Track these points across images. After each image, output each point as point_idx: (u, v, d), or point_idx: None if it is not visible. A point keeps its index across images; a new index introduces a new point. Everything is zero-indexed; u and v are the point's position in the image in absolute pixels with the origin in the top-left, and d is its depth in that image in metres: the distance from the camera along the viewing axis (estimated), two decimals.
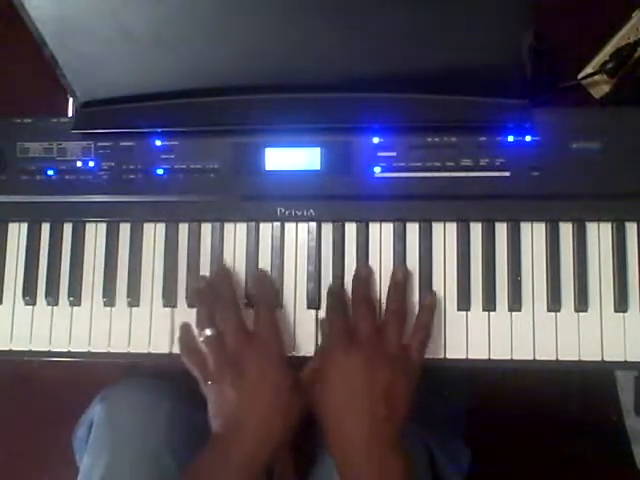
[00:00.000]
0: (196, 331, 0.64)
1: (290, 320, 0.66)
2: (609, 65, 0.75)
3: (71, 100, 0.74)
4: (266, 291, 0.66)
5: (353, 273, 0.66)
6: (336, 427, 0.58)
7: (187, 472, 0.60)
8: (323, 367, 0.61)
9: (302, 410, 0.60)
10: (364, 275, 0.65)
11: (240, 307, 0.64)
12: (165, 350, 0.66)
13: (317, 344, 0.66)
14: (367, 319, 0.62)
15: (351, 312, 0.64)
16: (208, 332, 0.62)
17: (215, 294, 0.64)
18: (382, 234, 0.67)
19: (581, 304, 0.64)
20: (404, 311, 0.63)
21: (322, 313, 0.66)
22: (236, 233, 0.68)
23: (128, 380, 0.72)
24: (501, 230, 0.66)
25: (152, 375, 0.74)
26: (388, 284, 0.65)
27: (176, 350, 0.66)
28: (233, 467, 0.57)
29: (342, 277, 0.66)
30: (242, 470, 0.57)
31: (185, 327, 0.65)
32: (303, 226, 0.67)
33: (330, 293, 0.65)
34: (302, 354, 0.65)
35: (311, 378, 0.61)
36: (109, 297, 0.68)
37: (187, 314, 0.67)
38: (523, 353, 0.64)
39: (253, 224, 0.68)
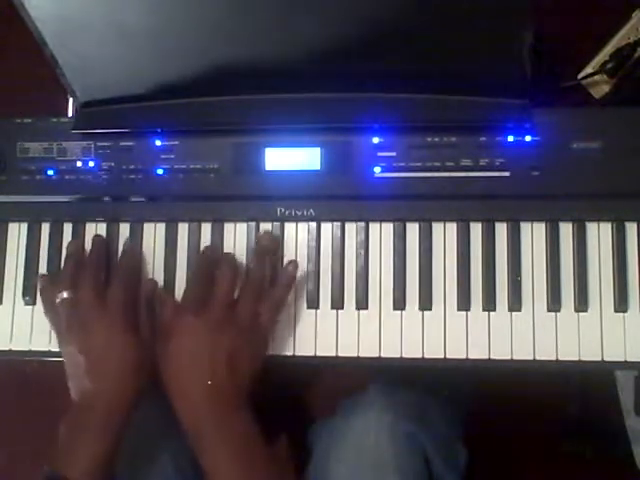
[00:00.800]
0: (47, 293, 0.65)
1: (290, 320, 0.66)
2: (609, 65, 0.75)
3: (71, 100, 0.74)
4: (128, 263, 0.66)
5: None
6: (177, 385, 0.60)
7: (58, 443, 0.60)
8: (170, 326, 0.62)
9: (152, 369, 0.61)
10: (263, 245, 0.65)
11: (101, 271, 0.65)
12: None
13: (317, 344, 0.66)
14: (225, 285, 0.62)
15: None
16: (64, 294, 0.63)
17: (82, 258, 0.66)
18: (382, 234, 0.67)
19: (581, 304, 0.64)
20: (262, 280, 0.64)
21: (322, 313, 0.66)
22: (236, 233, 0.68)
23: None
24: (501, 230, 0.66)
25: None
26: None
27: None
28: (91, 433, 0.58)
29: (342, 277, 0.66)
30: (100, 434, 0.58)
31: (46, 281, 0.66)
32: (303, 226, 0.67)
33: (202, 254, 0.66)
34: (302, 354, 0.65)
35: (162, 337, 0.62)
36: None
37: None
38: (523, 353, 0.64)
39: (253, 224, 0.68)
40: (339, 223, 0.67)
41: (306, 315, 0.66)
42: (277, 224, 0.67)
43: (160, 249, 0.68)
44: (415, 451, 0.66)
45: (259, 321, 0.62)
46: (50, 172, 0.68)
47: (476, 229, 0.66)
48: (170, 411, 0.66)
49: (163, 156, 0.67)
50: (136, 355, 0.61)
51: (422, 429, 0.67)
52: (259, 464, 0.59)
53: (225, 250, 0.67)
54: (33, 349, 0.68)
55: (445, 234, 0.66)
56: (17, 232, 0.70)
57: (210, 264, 0.64)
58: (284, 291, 0.64)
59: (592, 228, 0.65)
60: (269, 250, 0.65)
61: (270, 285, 0.64)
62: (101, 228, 0.69)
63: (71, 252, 0.67)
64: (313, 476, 0.68)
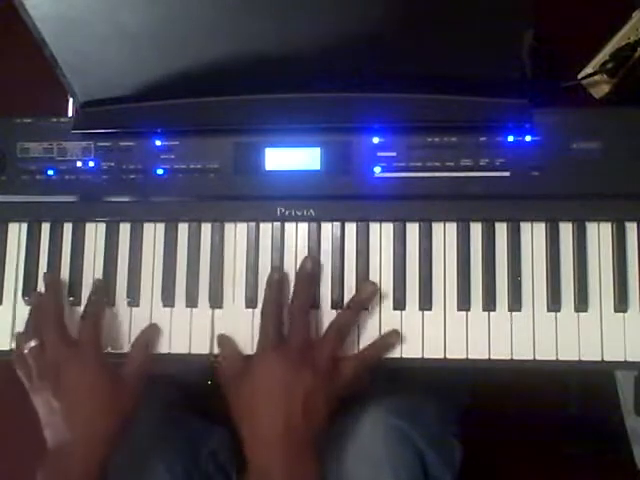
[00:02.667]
0: (23, 342, 0.64)
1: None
2: (609, 65, 0.75)
3: (71, 100, 0.74)
4: (95, 300, 0.66)
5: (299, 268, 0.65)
6: (250, 424, 0.59)
7: None
8: (246, 365, 0.62)
9: (131, 404, 0.61)
10: (309, 268, 0.64)
11: (62, 316, 0.65)
12: (164, 350, 0.66)
13: None
14: (302, 325, 0.62)
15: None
16: (32, 343, 0.62)
17: (41, 305, 0.65)
18: (382, 234, 0.67)
19: (581, 304, 0.64)
20: (348, 325, 0.63)
21: (321, 313, 0.66)
22: (236, 233, 0.68)
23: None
24: (501, 230, 0.66)
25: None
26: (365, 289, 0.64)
27: (175, 350, 0.66)
28: (70, 475, 0.58)
29: (342, 277, 0.66)
30: (79, 474, 0.58)
31: (17, 338, 0.66)
32: (303, 226, 0.67)
33: (269, 284, 0.64)
34: None
35: (232, 373, 0.62)
36: (109, 297, 0.68)
37: (186, 314, 0.67)
38: (523, 353, 0.64)
39: (253, 224, 0.68)
40: (339, 223, 0.67)
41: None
42: (277, 224, 0.67)
43: (160, 249, 0.68)
44: (408, 446, 0.66)
45: (338, 367, 0.61)
46: (50, 172, 0.68)
47: (476, 229, 0.66)
48: (165, 422, 0.66)
49: (163, 156, 0.67)
50: (111, 393, 0.61)
51: (414, 425, 0.67)
52: None
53: (225, 250, 0.67)
54: None
55: (445, 234, 0.66)
56: (17, 232, 0.70)
57: (278, 288, 0.64)
58: (374, 355, 0.63)
59: (592, 228, 0.65)
60: (364, 300, 0.64)
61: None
62: (101, 228, 0.69)
63: (33, 302, 0.67)
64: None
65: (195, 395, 0.81)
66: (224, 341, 0.65)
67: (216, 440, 0.74)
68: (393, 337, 0.63)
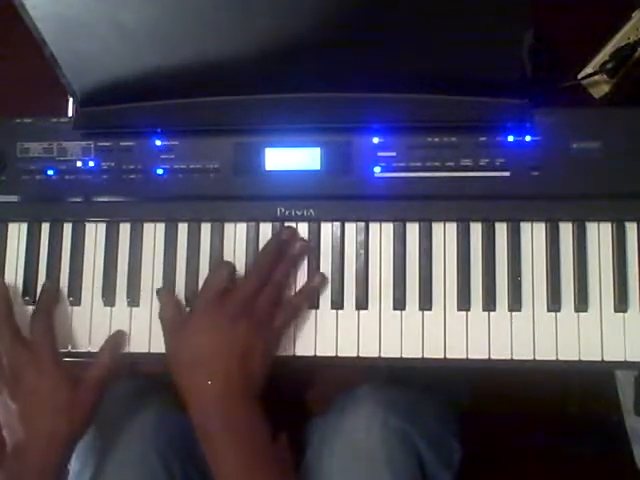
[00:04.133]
0: None
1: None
2: (609, 65, 0.75)
3: (71, 100, 0.74)
4: (44, 298, 0.66)
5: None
6: (188, 377, 0.60)
7: None
8: (185, 318, 0.63)
9: (90, 405, 0.62)
10: (281, 238, 0.65)
11: (13, 317, 0.65)
12: (164, 350, 0.66)
13: (317, 344, 0.66)
14: (249, 282, 0.63)
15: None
16: None
17: None
18: (382, 234, 0.67)
19: (581, 304, 0.64)
20: (284, 283, 0.65)
21: (322, 313, 0.66)
22: (236, 233, 0.68)
23: (114, 385, 0.72)
24: (501, 230, 0.66)
25: (141, 377, 0.75)
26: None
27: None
28: (28, 476, 0.59)
29: (342, 277, 0.66)
30: (37, 475, 0.59)
31: None
32: (303, 226, 0.67)
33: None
34: (302, 354, 0.65)
35: (176, 325, 0.63)
36: (109, 297, 0.68)
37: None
38: (523, 353, 0.64)
39: (253, 224, 0.68)
40: (339, 223, 0.67)
41: (306, 315, 0.66)
42: (277, 224, 0.67)
43: (160, 249, 0.68)
44: (406, 446, 0.66)
45: (274, 321, 0.63)
46: (50, 172, 0.68)
47: (476, 229, 0.66)
48: (163, 422, 0.66)
49: (163, 156, 0.67)
50: (67, 394, 0.61)
51: (413, 425, 0.67)
52: (262, 456, 0.59)
53: (225, 250, 0.67)
54: None
55: (445, 234, 0.66)
56: (17, 232, 0.70)
57: (230, 263, 0.65)
58: (304, 301, 0.65)
59: (592, 228, 0.65)
60: (296, 258, 0.65)
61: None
62: (101, 228, 0.69)
63: None
64: (306, 472, 0.68)
65: None
66: (164, 296, 0.66)
67: None
68: (317, 278, 0.65)
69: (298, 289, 0.66)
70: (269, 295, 0.63)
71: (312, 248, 0.66)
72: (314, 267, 0.66)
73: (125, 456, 0.67)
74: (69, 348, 0.67)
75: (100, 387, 0.63)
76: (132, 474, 0.66)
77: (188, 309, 0.66)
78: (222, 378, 0.59)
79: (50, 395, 0.61)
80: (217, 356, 0.60)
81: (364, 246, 0.66)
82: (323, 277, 0.65)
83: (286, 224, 0.67)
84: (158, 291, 0.66)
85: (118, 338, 0.66)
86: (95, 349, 0.67)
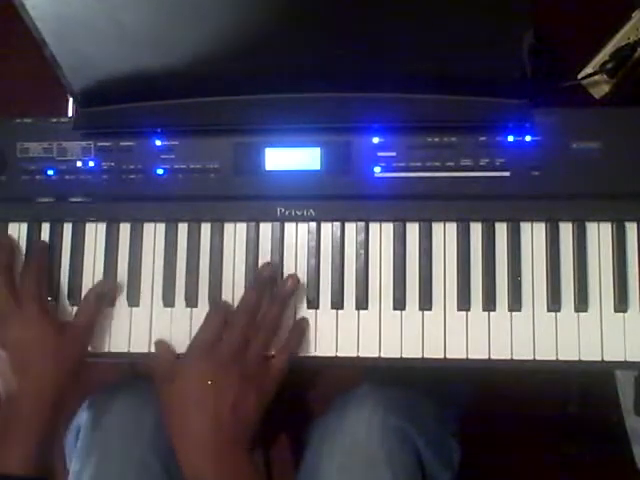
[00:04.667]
0: None
1: (290, 320, 0.66)
2: (609, 65, 0.75)
3: (71, 100, 0.75)
4: (36, 250, 0.68)
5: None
6: (179, 427, 0.60)
7: None
8: (177, 368, 0.63)
9: (77, 350, 0.64)
10: (264, 276, 0.65)
11: (10, 268, 0.66)
12: (108, 296, 0.67)
13: (317, 344, 0.66)
14: (236, 328, 0.63)
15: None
16: None
17: None
18: (382, 234, 0.67)
19: (581, 304, 0.64)
20: (276, 325, 0.64)
21: (322, 313, 0.66)
22: (236, 233, 0.68)
23: (114, 386, 0.73)
24: (501, 230, 0.66)
25: (141, 378, 0.75)
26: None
27: (174, 350, 0.66)
28: (22, 425, 0.60)
29: (342, 277, 0.66)
30: (31, 425, 0.60)
31: None
32: (303, 226, 0.67)
33: (214, 301, 0.66)
34: (301, 354, 0.65)
35: (168, 372, 0.63)
36: (109, 297, 0.68)
37: (187, 314, 0.67)
38: (523, 353, 0.64)
39: (253, 224, 0.68)
40: (339, 223, 0.67)
41: (306, 315, 0.66)
42: (277, 224, 0.67)
43: (160, 249, 0.68)
44: (406, 446, 0.66)
45: (268, 366, 0.63)
46: (50, 172, 0.68)
47: (476, 229, 0.66)
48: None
49: (163, 156, 0.67)
50: (54, 340, 0.63)
51: (412, 424, 0.67)
52: None
53: (225, 250, 0.67)
54: None
55: (445, 234, 0.66)
56: (17, 232, 0.70)
57: (223, 309, 0.65)
58: (296, 340, 0.65)
59: (592, 228, 0.65)
60: (285, 296, 0.65)
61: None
62: (101, 228, 0.69)
63: None
64: (306, 472, 0.68)
65: None
66: (158, 343, 0.66)
67: None
68: (302, 322, 0.65)
69: (290, 329, 0.65)
70: (261, 342, 0.63)
71: (299, 284, 0.66)
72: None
73: (125, 457, 0.67)
74: None
75: (85, 334, 0.65)
76: (132, 475, 0.66)
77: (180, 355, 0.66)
78: (212, 426, 0.59)
79: (36, 341, 0.62)
80: (207, 405, 0.60)
81: (364, 246, 0.66)
82: (306, 321, 0.65)
83: (286, 224, 0.67)
84: (156, 340, 0.66)
85: (102, 285, 0.67)
86: (94, 349, 0.67)
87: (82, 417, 0.71)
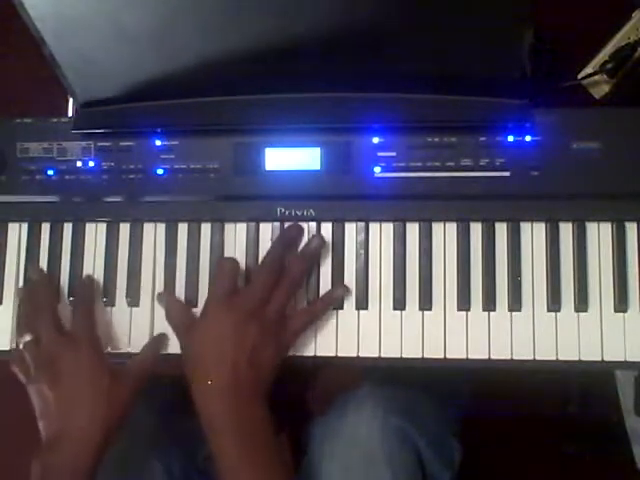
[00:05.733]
0: (18, 338, 0.64)
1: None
2: (609, 65, 0.75)
3: (71, 100, 0.74)
4: (84, 291, 0.66)
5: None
6: (198, 373, 0.60)
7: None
8: (198, 319, 0.63)
9: (129, 397, 0.62)
10: (290, 235, 0.65)
11: (56, 308, 0.65)
12: (164, 350, 0.66)
13: (317, 344, 0.66)
14: (257, 282, 0.63)
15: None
16: (27, 337, 0.63)
17: (32, 299, 0.65)
18: (382, 234, 0.67)
19: (581, 304, 0.64)
20: (299, 282, 0.64)
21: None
22: (236, 233, 0.68)
23: None
24: (501, 230, 0.66)
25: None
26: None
27: (174, 350, 0.66)
28: (64, 473, 0.58)
29: (342, 277, 0.66)
30: (73, 473, 0.58)
31: (16, 336, 0.66)
32: (303, 226, 0.67)
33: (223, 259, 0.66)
34: (301, 354, 0.65)
35: (186, 326, 0.63)
36: (109, 297, 0.68)
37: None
38: (523, 353, 0.64)
39: (253, 224, 0.68)
40: (339, 223, 0.67)
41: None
42: (277, 224, 0.67)
43: (160, 249, 0.68)
44: (406, 446, 0.66)
45: (287, 324, 0.63)
46: (50, 172, 0.68)
47: (476, 229, 0.66)
48: (163, 422, 0.66)
49: (163, 156, 0.67)
50: (106, 385, 0.61)
51: (413, 424, 0.67)
52: (265, 453, 0.59)
53: (225, 250, 0.67)
54: None
55: (445, 234, 0.66)
56: (17, 232, 0.70)
57: (234, 260, 0.65)
58: (322, 309, 0.64)
59: (592, 228, 0.65)
60: (312, 255, 0.65)
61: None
62: (101, 228, 0.69)
63: (22, 297, 0.67)
64: (307, 472, 0.68)
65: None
66: (168, 299, 0.66)
67: None
68: (339, 290, 0.65)
69: (320, 296, 0.65)
70: (282, 296, 0.63)
71: (320, 240, 0.65)
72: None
73: (125, 457, 0.67)
74: None
75: (138, 381, 0.63)
76: (132, 475, 0.66)
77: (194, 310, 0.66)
78: (229, 375, 0.59)
79: (88, 384, 0.60)
80: (226, 354, 0.60)
81: (364, 246, 0.66)
82: (346, 290, 0.65)
83: (286, 224, 0.67)
84: (159, 296, 0.66)
85: (161, 339, 0.66)
86: None
87: None
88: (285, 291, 0.63)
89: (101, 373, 0.61)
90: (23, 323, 0.65)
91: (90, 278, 0.67)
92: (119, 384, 0.61)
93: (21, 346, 0.63)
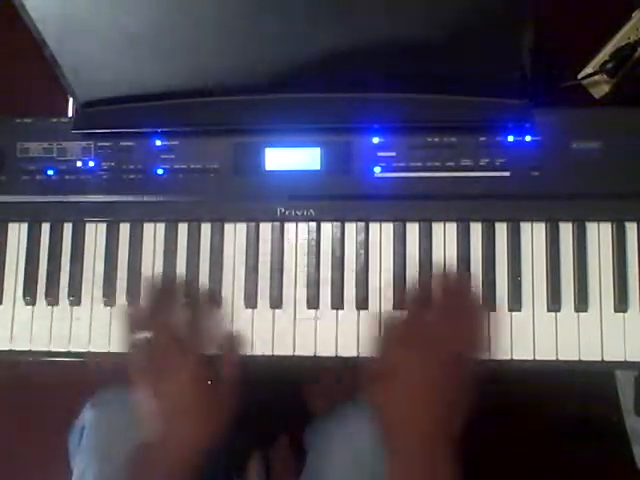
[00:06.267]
0: (129, 332, 0.63)
1: (289, 320, 0.66)
2: (609, 65, 0.75)
3: (71, 100, 0.74)
4: (202, 305, 0.66)
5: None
6: (397, 427, 0.58)
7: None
8: (385, 365, 0.60)
9: (228, 411, 0.60)
10: (450, 275, 0.64)
11: (174, 314, 0.64)
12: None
13: (317, 344, 0.66)
14: (432, 318, 0.61)
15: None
16: (140, 335, 0.62)
17: (155, 299, 0.64)
18: (382, 234, 0.67)
19: (581, 304, 0.64)
20: (467, 310, 0.63)
21: (322, 313, 0.66)
22: (236, 233, 0.68)
23: (118, 386, 0.72)
24: (501, 230, 0.66)
25: None
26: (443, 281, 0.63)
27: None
28: (163, 471, 0.58)
29: (342, 277, 0.66)
30: (172, 473, 0.58)
31: (131, 312, 0.65)
32: (303, 226, 0.67)
33: (409, 290, 0.64)
34: (301, 354, 0.65)
35: (374, 374, 0.61)
36: (109, 297, 0.68)
37: None
38: (523, 353, 0.64)
39: (253, 224, 0.68)
40: (339, 223, 0.67)
41: (306, 315, 0.66)
42: (277, 224, 0.67)
43: (160, 249, 0.68)
44: None
45: (465, 367, 0.60)
46: (50, 172, 0.68)
47: (476, 229, 0.66)
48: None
49: (163, 156, 0.67)
50: (211, 406, 0.60)
51: None
52: None
53: (225, 250, 0.67)
54: (33, 349, 0.68)
55: (445, 234, 0.66)
56: (17, 232, 0.70)
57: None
58: (480, 315, 0.63)
59: (592, 228, 0.65)
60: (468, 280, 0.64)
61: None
62: (101, 228, 0.69)
63: (150, 294, 0.66)
64: (309, 473, 0.68)
65: None
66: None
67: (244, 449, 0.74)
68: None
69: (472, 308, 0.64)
70: (456, 326, 0.61)
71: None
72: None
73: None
74: (69, 348, 0.67)
75: (236, 387, 0.62)
76: None
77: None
78: (430, 426, 0.58)
79: (193, 403, 0.59)
80: (425, 405, 0.58)
81: (364, 246, 0.66)
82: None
83: (286, 224, 0.67)
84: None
85: (238, 337, 0.65)
86: (95, 349, 0.67)
87: (87, 416, 0.70)
88: (458, 322, 0.61)
89: (205, 388, 0.60)
90: (141, 318, 0.63)
91: (210, 291, 0.67)
92: (221, 400, 0.60)
93: (138, 338, 0.62)
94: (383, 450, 0.62)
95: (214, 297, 0.66)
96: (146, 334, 0.62)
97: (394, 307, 0.65)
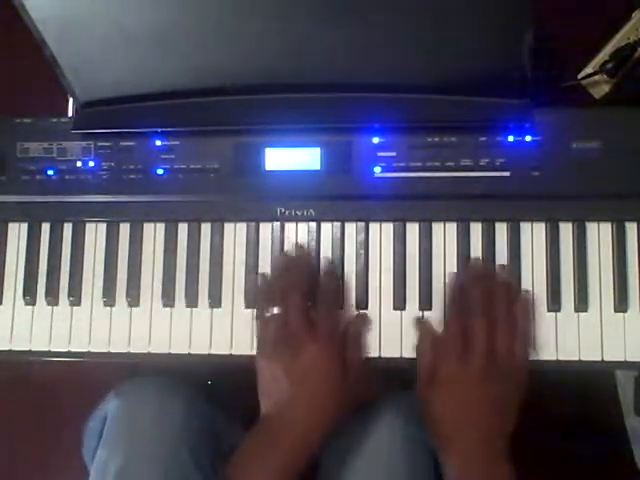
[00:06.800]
0: (261, 305, 0.64)
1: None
2: (609, 65, 0.75)
3: (71, 100, 0.74)
4: (331, 286, 0.66)
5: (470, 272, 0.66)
6: (447, 431, 0.60)
7: (238, 453, 0.61)
8: (439, 375, 0.61)
9: (349, 403, 0.61)
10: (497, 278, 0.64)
11: (307, 295, 0.64)
12: (165, 350, 0.66)
13: None
14: (484, 330, 0.61)
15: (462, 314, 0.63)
16: (275, 310, 0.63)
17: (289, 275, 0.65)
18: (382, 234, 0.67)
19: (581, 304, 0.64)
20: (513, 318, 0.63)
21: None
22: (236, 233, 0.68)
23: (142, 377, 0.72)
24: (501, 230, 0.66)
25: (168, 373, 0.74)
26: (475, 290, 0.62)
27: (175, 350, 0.66)
28: (282, 449, 0.59)
29: (342, 277, 0.66)
30: (291, 453, 0.58)
31: (263, 286, 0.66)
32: (303, 226, 0.67)
33: (451, 289, 0.65)
34: None
35: (426, 381, 0.62)
36: (109, 297, 0.68)
37: (187, 314, 0.67)
38: None
39: (253, 224, 0.68)
40: (339, 223, 0.67)
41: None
42: (277, 224, 0.67)
43: (160, 249, 0.68)
44: (426, 457, 0.65)
45: (516, 362, 0.61)
46: (50, 172, 0.68)
47: (476, 229, 0.66)
48: (191, 417, 0.66)
49: (163, 156, 0.67)
50: (338, 384, 0.60)
51: (428, 432, 0.66)
52: None
53: (225, 250, 0.67)
54: (33, 349, 0.68)
55: (445, 234, 0.66)
56: (17, 232, 0.70)
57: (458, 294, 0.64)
58: (525, 318, 0.63)
59: (592, 228, 0.65)
60: (509, 289, 0.64)
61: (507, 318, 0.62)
62: (101, 228, 0.69)
63: (280, 267, 0.66)
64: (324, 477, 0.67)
65: (217, 392, 0.83)
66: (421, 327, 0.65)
67: (239, 437, 0.74)
68: (522, 311, 0.64)
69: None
70: (505, 335, 0.61)
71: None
72: None
73: (154, 447, 0.66)
74: (69, 348, 0.67)
75: (363, 370, 0.63)
76: (161, 465, 0.66)
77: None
78: (483, 439, 0.60)
79: (324, 381, 0.60)
80: (476, 413, 0.60)
81: (364, 246, 0.66)
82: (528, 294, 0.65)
83: (286, 224, 0.67)
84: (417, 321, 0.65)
85: (364, 320, 0.66)
86: (95, 349, 0.67)
87: (110, 405, 0.69)
88: (507, 331, 0.61)
89: (335, 371, 0.60)
90: (277, 292, 0.64)
91: (334, 270, 0.67)
92: (349, 387, 0.61)
93: (267, 315, 0.63)
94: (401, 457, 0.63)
95: (337, 280, 0.66)
96: (276, 310, 0.63)
97: (394, 307, 0.65)
